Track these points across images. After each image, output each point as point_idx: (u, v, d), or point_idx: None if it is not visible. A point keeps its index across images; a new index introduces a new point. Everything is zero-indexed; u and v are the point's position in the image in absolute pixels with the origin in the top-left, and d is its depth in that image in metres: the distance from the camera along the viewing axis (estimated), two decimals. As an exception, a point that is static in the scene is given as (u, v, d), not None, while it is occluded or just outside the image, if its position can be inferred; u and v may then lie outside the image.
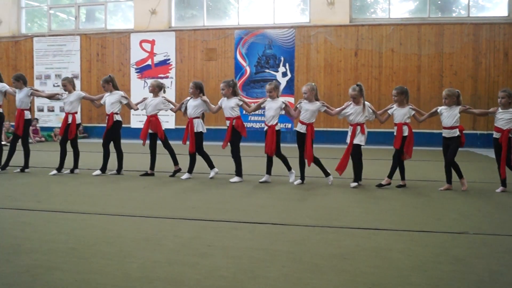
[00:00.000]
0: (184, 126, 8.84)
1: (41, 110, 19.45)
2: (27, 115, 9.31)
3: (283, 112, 8.28)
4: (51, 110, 19.59)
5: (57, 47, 19.64)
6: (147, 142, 9.09)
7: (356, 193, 7.32)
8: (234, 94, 8.48)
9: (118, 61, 18.97)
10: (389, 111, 8.04)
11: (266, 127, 8.23)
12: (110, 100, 9.08)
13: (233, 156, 8.43)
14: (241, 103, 8.46)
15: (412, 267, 3.83)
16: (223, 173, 8.86)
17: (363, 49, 16.74)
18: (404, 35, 16.51)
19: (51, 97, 9.88)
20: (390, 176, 7.84)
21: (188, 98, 8.88)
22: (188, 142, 8.67)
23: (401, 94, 7.88)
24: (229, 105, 8.41)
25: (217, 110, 8.75)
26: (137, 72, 18.65)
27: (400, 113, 7.85)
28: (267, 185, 7.95)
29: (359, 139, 7.86)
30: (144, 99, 9.23)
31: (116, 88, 9.23)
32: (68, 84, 9.23)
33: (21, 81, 9.37)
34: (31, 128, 16.42)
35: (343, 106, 8.11)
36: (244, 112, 8.92)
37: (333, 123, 16.10)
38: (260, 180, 8.25)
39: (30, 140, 16.09)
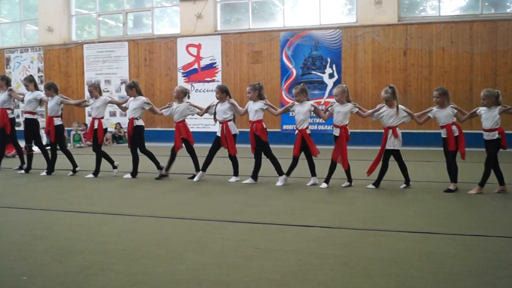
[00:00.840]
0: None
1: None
2: (57, 121, 9.63)
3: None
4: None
5: (106, 53, 20.06)
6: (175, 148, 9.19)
7: (405, 195, 7.17)
8: (260, 97, 8.51)
9: (165, 66, 19.22)
10: (429, 114, 7.83)
11: (296, 131, 8.23)
12: (133, 106, 9.23)
13: (268, 157, 8.47)
14: (266, 107, 8.46)
15: (464, 272, 3.72)
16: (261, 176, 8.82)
17: (412, 49, 16.41)
18: (455, 33, 16.09)
19: (79, 104, 10.33)
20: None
21: (216, 102, 8.91)
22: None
23: (443, 95, 7.66)
24: (253, 109, 8.45)
25: (244, 113, 8.76)
26: (184, 76, 18.85)
27: (443, 115, 7.64)
28: (312, 188, 7.87)
29: (392, 143, 7.75)
30: (170, 105, 9.34)
31: (139, 94, 9.39)
32: (94, 90, 9.50)
33: (52, 89, 9.77)
34: (82, 132, 16.95)
35: (376, 108, 8.02)
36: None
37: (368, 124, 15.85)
38: (308, 184, 8.19)
39: (81, 144, 16.64)
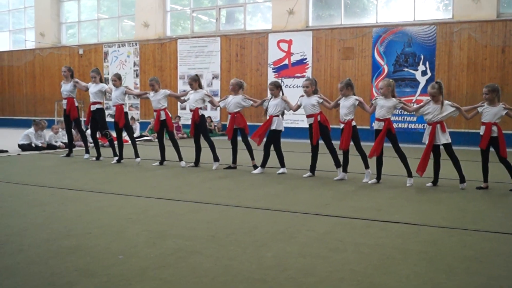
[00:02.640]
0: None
1: (183, 108, 20.55)
2: (125, 108, 10.43)
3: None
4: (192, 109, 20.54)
5: (199, 48, 20.66)
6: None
7: (492, 196, 6.97)
8: (315, 92, 8.71)
9: (256, 61, 19.53)
10: (478, 109, 7.62)
11: (342, 125, 8.30)
12: (195, 97, 9.71)
13: (329, 150, 8.61)
14: (321, 100, 8.62)
15: (554, 274, 3.63)
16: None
17: (511, 46, 15.74)
18: (558, 29, 15.29)
19: (140, 95, 11.07)
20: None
21: (270, 97, 9.20)
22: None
23: (492, 92, 7.42)
24: (310, 103, 8.61)
25: (297, 108, 9.00)
26: (274, 72, 19.07)
27: (491, 112, 7.41)
28: (400, 186, 7.79)
29: (445, 138, 7.62)
30: (226, 97, 9.82)
31: (200, 87, 9.90)
32: (155, 84, 10.12)
33: (121, 80, 10.57)
34: (174, 125, 17.60)
35: (421, 104, 7.91)
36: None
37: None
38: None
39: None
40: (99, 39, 23.67)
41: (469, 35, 16.14)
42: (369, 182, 8.07)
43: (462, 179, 7.62)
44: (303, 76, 18.15)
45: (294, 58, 18.76)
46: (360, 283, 3.42)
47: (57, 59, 23.93)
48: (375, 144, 7.91)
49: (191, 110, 9.78)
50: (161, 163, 10.04)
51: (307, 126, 8.83)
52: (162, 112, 9.92)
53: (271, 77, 18.80)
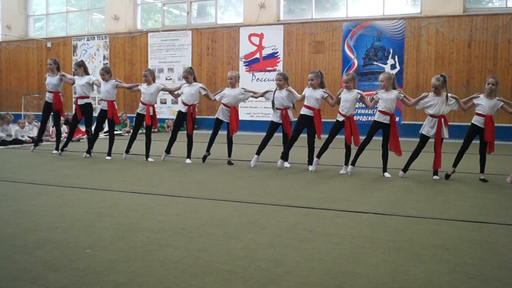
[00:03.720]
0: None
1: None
2: (116, 104, 10.13)
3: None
4: (163, 102, 20.47)
5: (170, 42, 20.52)
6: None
7: (463, 186, 7.11)
8: (321, 85, 8.62)
9: (228, 55, 19.48)
10: (474, 101, 7.74)
11: (343, 118, 8.28)
12: (191, 91, 9.49)
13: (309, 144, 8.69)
14: (326, 95, 8.54)
15: (517, 261, 3.72)
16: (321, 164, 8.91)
17: (477, 40, 16.00)
18: (523, 24, 15.60)
19: (131, 88, 10.43)
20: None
21: (274, 88, 9.08)
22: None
23: (497, 84, 7.60)
24: (315, 96, 8.55)
25: (302, 99, 8.83)
26: (245, 66, 19.06)
27: (489, 105, 7.56)
28: (369, 177, 7.90)
29: (446, 133, 7.73)
30: (222, 90, 9.55)
31: (195, 80, 9.67)
32: (149, 75, 9.79)
33: (109, 73, 10.16)
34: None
35: (420, 96, 7.97)
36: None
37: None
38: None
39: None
40: (68, 32, 23.31)
41: (436, 29, 16.37)
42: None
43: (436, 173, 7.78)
44: (275, 70, 18.20)
45: (265, 52, 18.77)
46: (329, 272, 3.44)
47: (24, 52, 23.52)
48: (396, 142, 7.92)
49: (185, 104, 9.50)
50: (127, 151, 9.86)
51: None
52: (151, 108, 9.68)
53: (243, 70, 18.79)
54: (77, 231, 4.46)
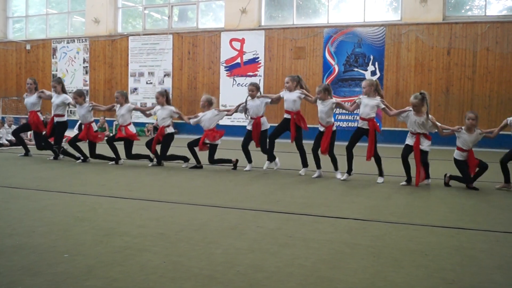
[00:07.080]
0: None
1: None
2: (95, 126, 9.98)
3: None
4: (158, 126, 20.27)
5: (150, 46, 20.46)
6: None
7: (442, 192, 7.17)
8: (301, 88, 8.72)
9: (209, 59, 19.48)
10: (456, 133, 7.66)
11: (322, 128, 8.32)
12: (162, 115, 9.50)
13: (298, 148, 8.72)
14: (303, 95, 8.61)
15: (495, 266, 3.76)
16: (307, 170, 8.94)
17: (456, 48, 16.23)
18: (501, 33, 15.83)
19: (109, 109, 10.37)
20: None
21: (246, 98, 9.12)
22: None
23: (477, 119, 7.54)
24: (291, 98, 8.61)
25: (277, 99, 8.99)
26: (226, 70, 19.06)
27: (470, 140, 7.53)
28: (348, 182, 7.94)
29: (427, 145, 7.68)
30: (196, 116, 9.52)
31: (168, 103, 9.63)
32: (120, 97, 9.77)
33: (82, 97, 10.10)
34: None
35: (402, 110, 7.93)
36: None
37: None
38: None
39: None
40: (48, 35, 23.09)
41: (416, 37, 16.56)
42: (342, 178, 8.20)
43: (428, 176, 7.77)
44: (255, 75, 18.25)
45: (246, 57, 18.79)
46: (309, 277, 3.44)
47: (3, 54, 23.24)
48: (369, 147, 7.91)
49: (155, 127, 9.54)
50: (116, 162, 9.81)
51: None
52: (123, 128, 9.64)
53: (224, 75, 18.81)
54: (55, 236, 4.40)
